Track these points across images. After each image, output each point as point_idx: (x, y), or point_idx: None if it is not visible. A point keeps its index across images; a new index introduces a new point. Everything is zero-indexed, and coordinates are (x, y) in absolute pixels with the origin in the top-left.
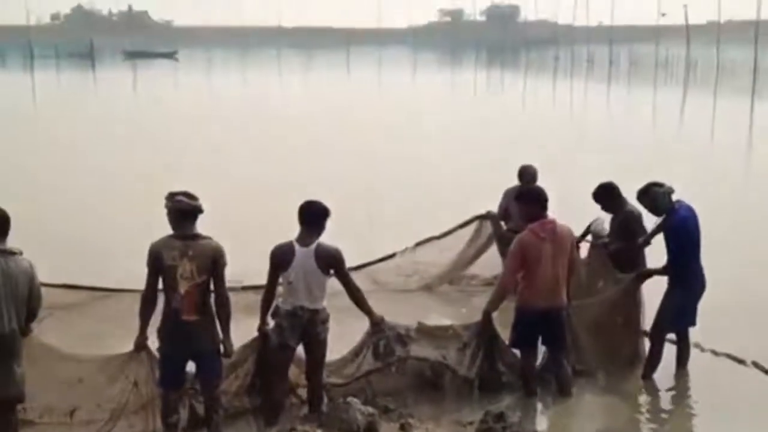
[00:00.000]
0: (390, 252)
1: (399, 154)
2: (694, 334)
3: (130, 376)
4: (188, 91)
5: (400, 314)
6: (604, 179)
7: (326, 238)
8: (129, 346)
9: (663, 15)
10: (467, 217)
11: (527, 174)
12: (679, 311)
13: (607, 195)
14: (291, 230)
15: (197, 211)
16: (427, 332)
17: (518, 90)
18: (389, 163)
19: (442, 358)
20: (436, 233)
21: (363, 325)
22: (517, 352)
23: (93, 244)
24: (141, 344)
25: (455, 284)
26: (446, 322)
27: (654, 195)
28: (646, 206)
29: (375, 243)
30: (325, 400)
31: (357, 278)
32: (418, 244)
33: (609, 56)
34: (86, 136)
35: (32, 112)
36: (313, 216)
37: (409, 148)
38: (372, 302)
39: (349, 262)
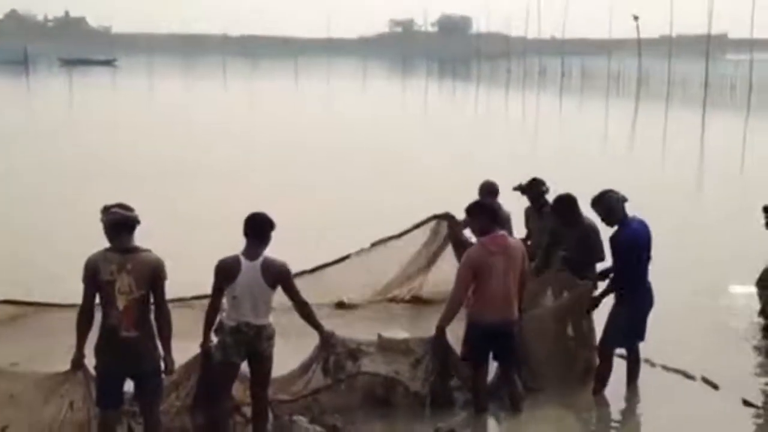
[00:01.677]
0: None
1: (346, 169)
2: (645, 349)
3: (66, 395)
4: (126, 101)
5: (357, 326)
6: (560, 191)
7: (274, 250)
8: (67, 364)
9: (636, 18)
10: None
11: (482, 189)
12: (627, 327)
13: (566, 207)
14: (237, 243)
15: (134, 222)
16: (386, 346)
17: (470, 102)
18: (335, 179)
19: (395, 374)
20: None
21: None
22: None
23: (26, 259)
24: (78, 363)
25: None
26: (404, 334)
27: (608, 202)
28: (599, 214)
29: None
30: (271, 418)
31: (309, 289)
32: (374, 244)
33: (561, 69)
34: (16, 146)
35: None
36: (258, 228)
37: (357, 163)
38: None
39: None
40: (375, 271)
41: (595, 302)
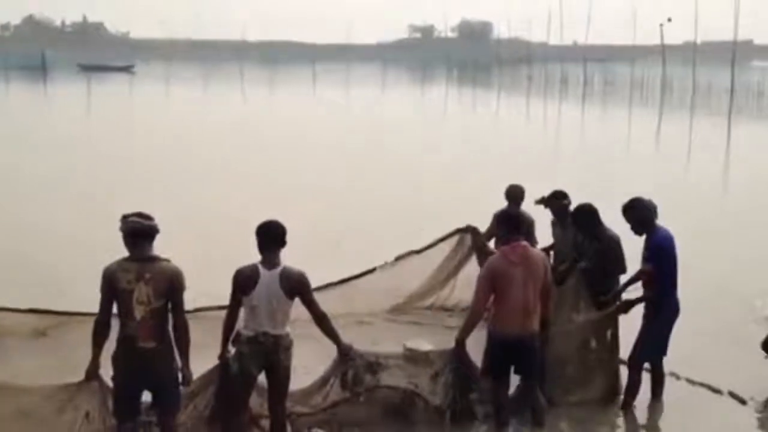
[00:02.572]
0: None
1: (363, 179)
2: (669, 362)
3: (81, 406)
4: (144, 107)
5: (380, 336)
6: (582, 201)
7: (293, 260)
8: (82, 377)
9: (669, 20)
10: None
11: (508, 194)
12: (660, 340)
13: (585, 217)
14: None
15: (153, 231)
16: (409, 357)
17: (491, 111)
18: (359, 187)
19: (414, 387)
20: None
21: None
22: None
23: (45, 268)
24: (92, 373)
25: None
26: (428, 346)
27: (640, 210)
28: (630, 221)
29: (343, 265)
30: (289, 431)
31: (333, 299)
32: (397, 258)
33: (583, 76)
34: (34, 153)
35: None
36: (272, 236)
37: (380, 172)
38: (348, 326)
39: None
40: (398, 284)
41: (629, 306)
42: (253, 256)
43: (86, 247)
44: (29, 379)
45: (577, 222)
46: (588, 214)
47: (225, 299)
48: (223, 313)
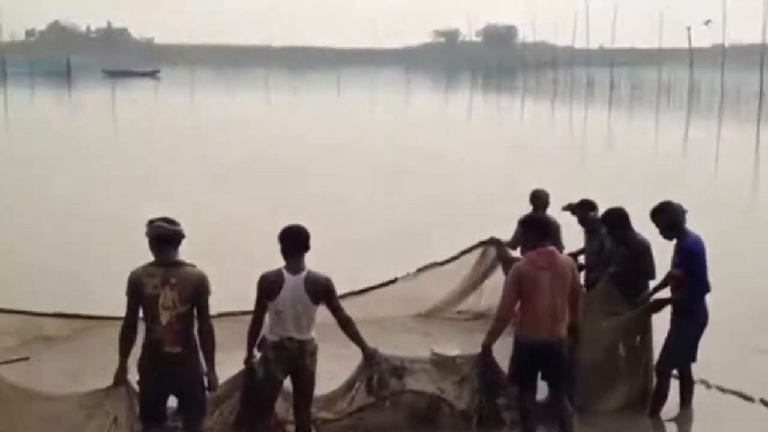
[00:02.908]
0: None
1: (393, 184)
2: (699, 369)
3: (110, 411)
4: (169, 113)
5: (404, 342)
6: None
7: (318, 265)
8: (109, 381)
9: (706, 23)
10: (470, 245)
11: (533, 199)
12: (688, 347)
13: (615, 220)
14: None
15: (179, 236)
16: (436, 362)
17: (516, 116)
18: (383, 193)
19: (440, 392)
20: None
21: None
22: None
23: (72, 274)
24: (121, 378)
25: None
26: (456, 351)
27: (670, 213)
28: (660, 225)
29: (368, 271)
30: None
31: (357, 305)
32: (420, 270)
33: (610, 80)
34: (59, 160)
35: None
36: (295, 240)
37: (404, 177)
38: (373, 332)
39: (345, 287)
40: (421, 294)
41: (659, 306)
42: (278, 261)
43: (110, 252)
44: (55, 383)
45: (607, 224)
46: (618, 217)
47: (250, 304)
48: (248, 318)
